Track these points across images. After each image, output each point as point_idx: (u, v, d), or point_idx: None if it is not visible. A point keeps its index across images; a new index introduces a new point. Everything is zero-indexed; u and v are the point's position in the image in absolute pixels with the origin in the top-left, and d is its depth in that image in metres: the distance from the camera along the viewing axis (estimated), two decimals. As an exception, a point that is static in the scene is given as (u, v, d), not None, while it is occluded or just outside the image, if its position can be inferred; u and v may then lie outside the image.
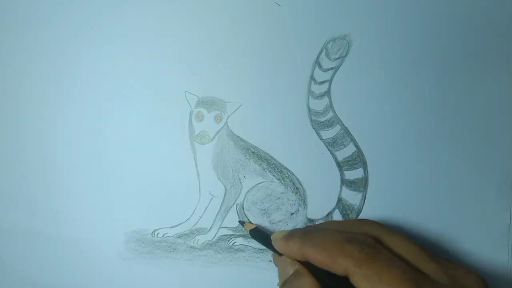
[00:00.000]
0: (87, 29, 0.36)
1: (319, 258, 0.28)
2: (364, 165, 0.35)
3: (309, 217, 0.36)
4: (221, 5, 0.35)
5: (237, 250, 0.36)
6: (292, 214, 0.36)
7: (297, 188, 0.36)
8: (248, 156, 0.36)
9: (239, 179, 0.36)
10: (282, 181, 0.36)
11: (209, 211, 0.36)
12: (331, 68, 0.35)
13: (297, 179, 0.36)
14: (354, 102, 0.35)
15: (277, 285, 0.32)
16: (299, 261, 0.30)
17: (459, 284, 0.27)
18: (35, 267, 0.37)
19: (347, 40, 0.35)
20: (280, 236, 0.31)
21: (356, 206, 0.36)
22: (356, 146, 0.35)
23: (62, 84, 0.36)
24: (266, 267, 0.36)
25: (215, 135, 0.36)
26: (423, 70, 0.35)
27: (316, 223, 0.36)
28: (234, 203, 0.36)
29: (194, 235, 0.36)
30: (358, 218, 0.36)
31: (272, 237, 0.32)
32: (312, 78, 0.35)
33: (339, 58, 0.35)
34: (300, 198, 0.36)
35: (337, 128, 0.35)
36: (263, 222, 0.36)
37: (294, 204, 0.36)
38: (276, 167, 0.36)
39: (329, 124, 0.35)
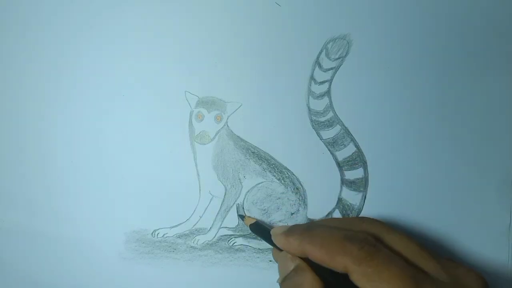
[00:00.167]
0: (87, 29, 0.36)
1: (319, 255, 0.28)
2: (364, 165, 0.35)
3: (309, 217, 0.36)
4: (221, 5, 0.35)
5: (237, 250, 0.36)
6: (292, 214, 0.36)
7: (297, 188, 0.36)
8: (248, 156, 0.36)
9: (239, 179, 0.36)
10: (282, 181, 0.36)
11: (209, 211, 0.36)
12: (331, 68, 0.35)
13: (297, 179, 0.36)
14: (354, 102, 0.35)
15: (277, 281, 0.32)
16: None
17: (459, 282, 0.27)
18: (35, 267, 0.37)
19: (347, 40, 0.35)
20: (280, 231, 0.31)
21: (356, 206, 0.36)
22: (356, 146, 0.35)
23: (62, 84, 0.36)
24: (266, 267, 0.36)
25: (215, 135, 0.36)
26: (423, 70, 0.35)
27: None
28: (234, 203, 0.36)
29: (194, 235, 0.36)
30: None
31: (272, 232, 0.32)
32: (312, 78, 0.35)
33: (339, 58, 0.35)
34: (300, 198, 0.36)
35: (337, 128, 0.35)
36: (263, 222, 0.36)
37: (294, 204, 0.36)
38: (276, 167, 0.36)
39: (329, 124, 0.35)
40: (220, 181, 0.36)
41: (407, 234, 0.30)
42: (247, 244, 0.36)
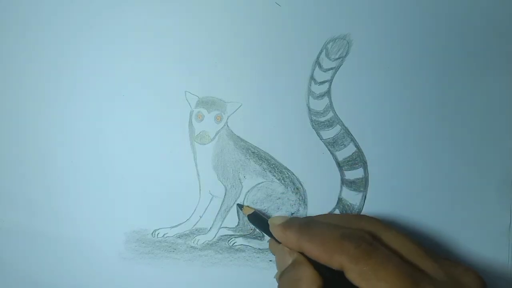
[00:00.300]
0: (87, 29, 0.36)
1: (316, 253, 0.28)
2: (364, 165, 0.35)
3: (309, 217, 0.36)
4: (221, 5, 0.35)
5: (237, 250, 0.36)
6: (292, 214, 0.36)
7: (297, 188, 0.36)
8: (248, 156, 0.36)
9: (239, 179, 0.36)
10: (282, 181, 0.36)
11: (209, 211, 0.36)
12: (331, 68, 0.35)
13: (297, 179, 0.36)
14: (354, 102, 0.35)
15: (274, 277, 0.32)
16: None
17: (457, 281, 0.27)
18: (35, 267, 0.37)
19: (347, 40, 0.35)
20: (279, 222, 0.31)
21: (356, 206, 0.36)
22: (356, 146, 0.35)
23: (62, 84, 0.36)
24: (266, 267, 0.36)
25: (215, 135, 0.36)
26: (423, 70, 0.35)
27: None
28: (234, 203, 0.36)
29: (194, 235, 0.36)
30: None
31: (270, 221, 0.32)
32: (312, 78, 0.35)
33: (339, 58, 0.35)
34: (300, 198, 0.36)
35: (337, 128, 0.35)
36: (263, 222, 0.36)
37: (294, 204, 0.36)
38: (276, 167, 0.36)
39: (329, 124, 0.35)
40: (220, 181, 0.36)
41: (404, 233, 0.29)
42: (247, 244, 0.36)
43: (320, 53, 0.35)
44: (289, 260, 0.30)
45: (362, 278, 0.26)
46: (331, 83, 0.35)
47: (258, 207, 0.36)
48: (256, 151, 0.36)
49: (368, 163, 0.35)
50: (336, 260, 0.27)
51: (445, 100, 0.35)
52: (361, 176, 0.36)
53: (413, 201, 0.35)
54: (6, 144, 0.37)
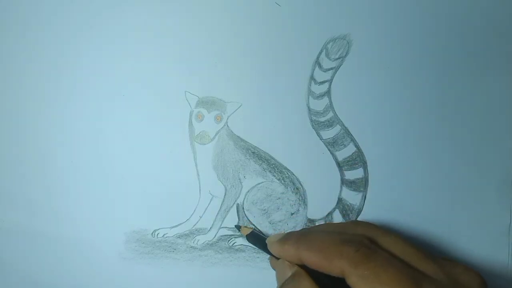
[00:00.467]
0: (87, 29, 0.36)
1: (315, 260, 0.28)
2: (364, 165, 0.35)
3: (309, 217, 0.36)
4: (221, 5, 0.35)
5: (237, 250, 0.36)
6: (292, 214, 0.36)
7: (297, 188, 0.36)
8: (248, 156, 0.36)
9: (239, 179, 0.36)
10: (282, 181, 0.36)
11: (209, 211, 0.36)
12: (331, 68, 0.35)
13: (297, 179, 0.36)
14: (354, 102, 0.35)
15: None
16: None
17: (457, 281, 0.27)
18: (35, 267, 0.37)
19: (347, 40, 0.35)
20: (275, 239, 0.31)
21: (356, 206, 0.36)
22: (356, 146, 0.35)
23: (62, 84, 0.36)
24: (266, 267, 0.36)
25: (215, 135, 0.36)
26: (423, 70, 0.35)
27: (316, 224, 0.36)
28: (234, 203, 0.36)
29: (194, 235, 0.36)
30: (356, 219, 0.36)
31: (267, 241, 0.32)
32: (312, 78, 0.35)
33: (339, 58, 0.35)
34: (300, 198, 0.36)
35: (337, 128, 0.35)
36: (263, 222, 0.36)
37: (294, 204, 0.36)
38: (276, 167, 0.36)
39: (329, 124, 0.35)
40: (220, 181, 0.36)
41: (402, 237, 0.29)
42: (247, 244, 0.36)
43: (320, 53, 0.35)
44: (288, 273, 0.30)
45: (364, 282, 0.25)
46: (331, 83, 0.35)
47: (258, 207, 0.36)
48: (256, 151, 0.36)
49: (368, 163, 0.35)
50: (336, 265, 0.27)
51: (445, 100, 0.35)
52: (361, 176, 0.36)
53: (413, 201, 0.35)
54: (6, 144, 0.37)
